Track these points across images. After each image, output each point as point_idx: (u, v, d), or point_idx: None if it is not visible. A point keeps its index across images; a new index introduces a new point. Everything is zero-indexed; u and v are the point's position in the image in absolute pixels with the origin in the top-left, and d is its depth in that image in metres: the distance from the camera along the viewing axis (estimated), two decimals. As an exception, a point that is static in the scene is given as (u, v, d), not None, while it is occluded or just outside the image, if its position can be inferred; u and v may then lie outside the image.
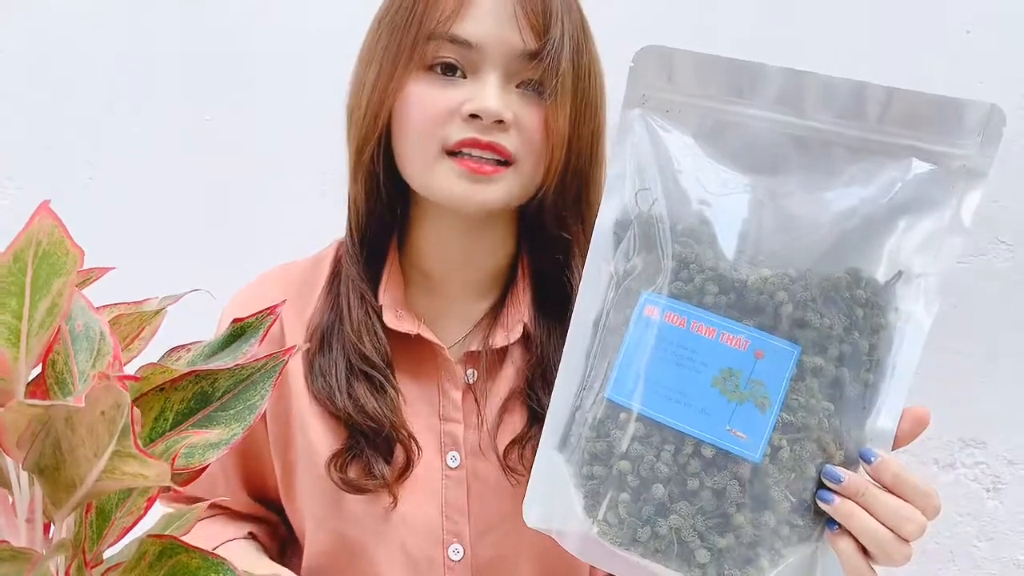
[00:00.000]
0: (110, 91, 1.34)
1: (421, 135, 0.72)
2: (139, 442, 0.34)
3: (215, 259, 1.27)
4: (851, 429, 0.57)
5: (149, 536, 0.40)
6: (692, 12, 1.12)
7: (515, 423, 0.78)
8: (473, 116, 0.70)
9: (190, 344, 0.46)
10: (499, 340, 0.79)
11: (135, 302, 0.45)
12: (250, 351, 0.44)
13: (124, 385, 0.34)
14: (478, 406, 0.78)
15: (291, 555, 0.88)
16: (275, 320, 0.46)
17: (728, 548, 0.55)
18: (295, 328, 0.81)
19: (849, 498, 0.55)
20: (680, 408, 0.56)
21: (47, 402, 0.36)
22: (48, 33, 1.36)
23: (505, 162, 0.72)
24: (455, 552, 0.77)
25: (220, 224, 1.32)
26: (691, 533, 0.55)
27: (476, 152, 0.71)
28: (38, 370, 0.39)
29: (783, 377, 0.55)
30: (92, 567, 0.39)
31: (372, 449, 0.75)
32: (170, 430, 0.41)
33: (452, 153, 0.72)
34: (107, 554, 0.41)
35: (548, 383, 0.74)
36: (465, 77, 0.72)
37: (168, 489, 0.37)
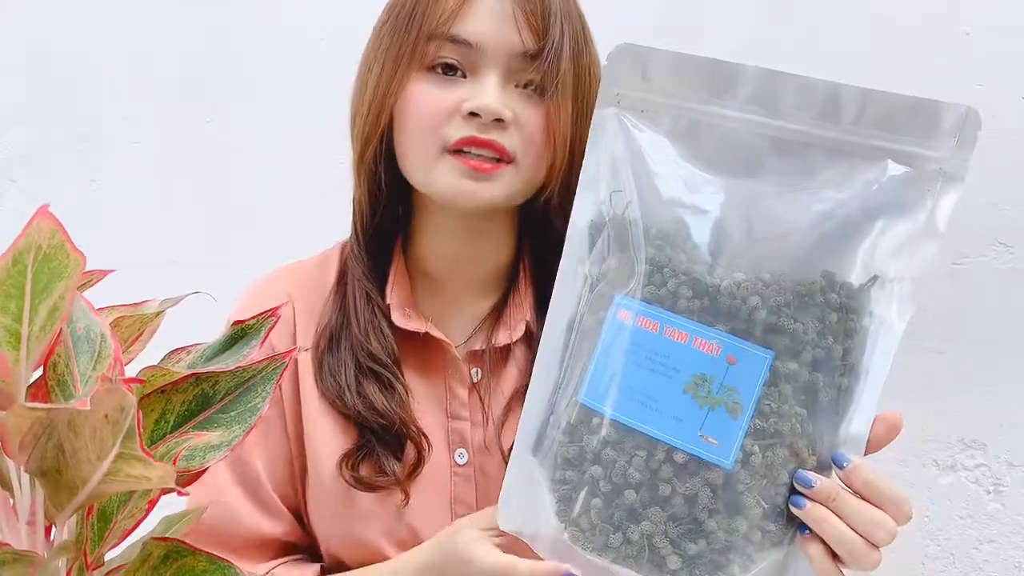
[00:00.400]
0: (111, 93, 1.35)
1: (422, 134, 0.73)
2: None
3: (215, 260, 1.27)
4: (824, 434, 0.56)
5: (153, 538, 0.40)
6: (692, 12, 1.12)
7: (519, 421, 0.78)
8: (472, 114, 0.71)
9: (190, 346, 0.46)
10: (502, 338, 0.79)
11: (135, 304, 0.45)
12: (251, 353, 0.44)
13: (129, 388, 0.34)
14: (483, 404, 0.78)
15: None
16: (276, 322, 0.46)
17: (699, 554, 0.54)
18: (307, 326, 0.81)
19: (820, 503, 0.55)
20: (652, 413, 0.55)
21: (50, 405, 0.36)
22: (49, 35, 1.36)
23: (505, 160, 0.72)
24: None
25: (220, 225, 1.32)
26: (663, 539, 0.54)
27: (475, 150, 0.72)
28: (39, 372, 0.39)
29: (756, 383, 0.54)
30: (93, 569, 0.39)
31: (383, 447, 0.75)
32: (171, 432, 0.42)
33: (453, 152, 0.72)
34: (108, 556, 0.41)
35: None
36: (465, 77, 0.73)
37: (170, 491, 0.37)
